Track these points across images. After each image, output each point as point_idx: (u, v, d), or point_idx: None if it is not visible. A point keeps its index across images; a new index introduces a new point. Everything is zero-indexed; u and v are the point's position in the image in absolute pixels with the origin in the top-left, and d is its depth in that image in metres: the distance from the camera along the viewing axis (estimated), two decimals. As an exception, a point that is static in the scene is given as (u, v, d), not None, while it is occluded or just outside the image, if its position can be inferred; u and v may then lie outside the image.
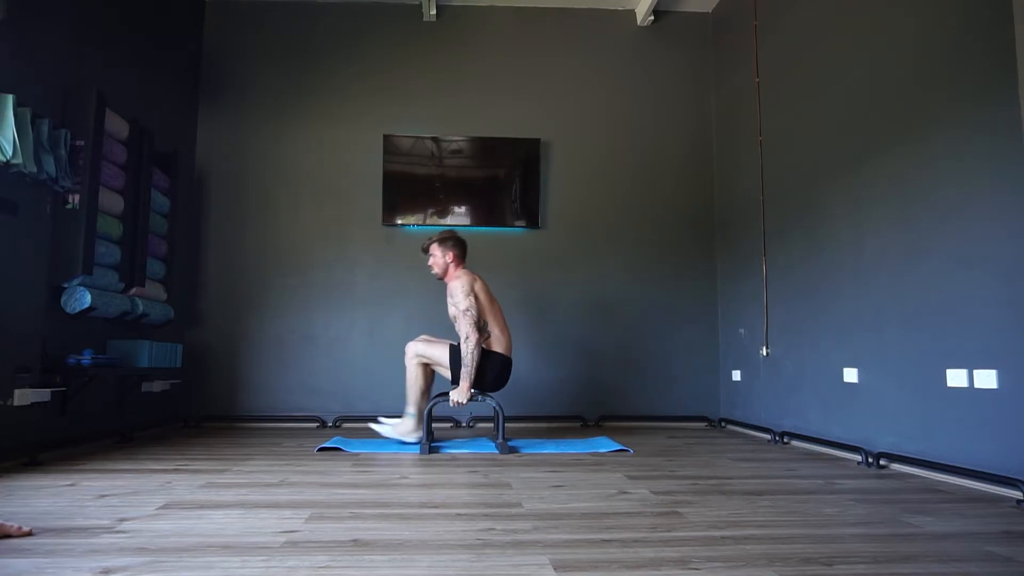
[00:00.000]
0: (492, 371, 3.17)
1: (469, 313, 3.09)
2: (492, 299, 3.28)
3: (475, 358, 3.07)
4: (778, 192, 3.65)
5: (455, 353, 3.15)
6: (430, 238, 3.32)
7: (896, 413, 2.67)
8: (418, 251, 4.38)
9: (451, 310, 3.20)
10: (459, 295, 3.13)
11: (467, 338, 3.07)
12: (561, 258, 4.45)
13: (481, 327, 3.20)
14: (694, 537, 1.59)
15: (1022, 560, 1.43)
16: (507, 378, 3.24)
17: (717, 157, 4.57)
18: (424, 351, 3.19)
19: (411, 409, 3.20)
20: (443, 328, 3.94)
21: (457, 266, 3.30)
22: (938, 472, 2.42)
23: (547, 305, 4.40)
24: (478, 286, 3.21)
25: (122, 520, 1.70)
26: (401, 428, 3.22)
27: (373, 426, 3.34)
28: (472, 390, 3.11)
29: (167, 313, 3.69)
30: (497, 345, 3.22)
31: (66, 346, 2.91)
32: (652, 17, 4.61)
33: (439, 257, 3.28)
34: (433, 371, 3.27)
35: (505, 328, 3.28)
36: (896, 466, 2.65)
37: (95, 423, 3.17)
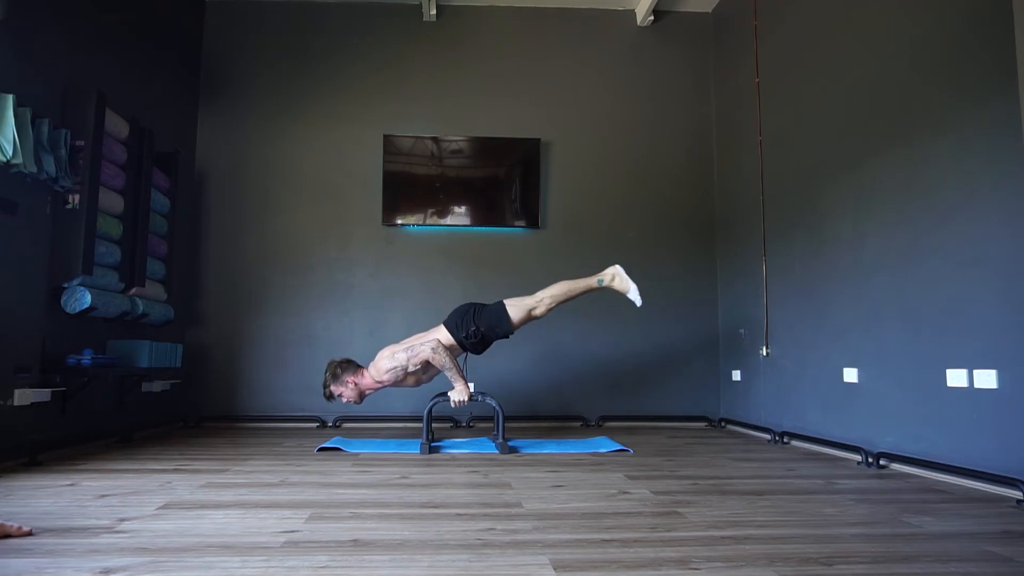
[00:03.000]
0: (492, 321, 3.17)
1: (413, 347, 3.09)
2: (410, 337, 3.27)
3: (449, 357, 3.07)
4: (778, 192, 3.65)
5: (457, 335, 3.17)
6: (324, 386, 3.20)
7: (896, 413, 2.67)
8: (419, 251, 4.39)
9: (411, 368, 3.13)
10: (394, 364, 3.09)
11: (433, 349, 3.06)
12: (561, 258, 4.45)
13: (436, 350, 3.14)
14: (694, 537, 1.59)
15: (1022, 560, 1.43)
16: (507, 318, 3.20)
17: (717, 157, 4.57)
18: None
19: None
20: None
21: (362, 373, 3.20)
22: (938, 472, 2.42)
23: (547, 305, 4.39)
24: (387, 351, 3.17)
25: (122, 520, 1.70)
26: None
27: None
28: (472, 390, 3.12)
29: (167, 313, 3.69)
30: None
31: (66, 346, 2.91)
32: (652, 17, 4.61)
33: (348, 389, 3.18)
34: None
35: (435, 327, 3.28)
36: (896, 466, 2.65)
37: (95, 423, 3.17)
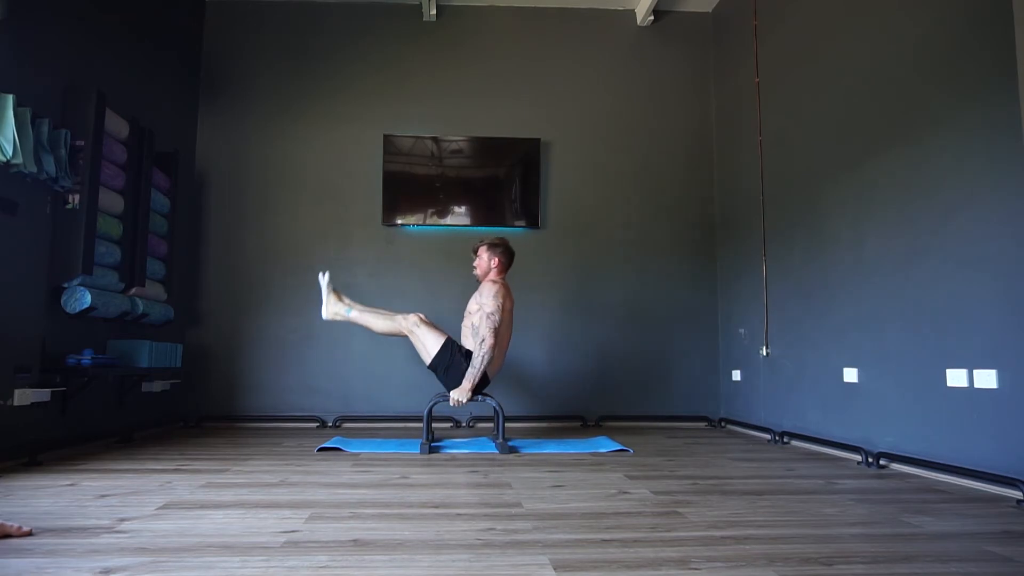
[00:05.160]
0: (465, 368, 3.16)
1: (493, 318, 3.10)
2: (511, 322, 3.29)
3: (484, 362, 3.08)
4: (778, 192, 3.65)
5: (446, 348, 3.16)
6: (481, 240, 3.35)
7: (896, 413, 2.67)
8: (419, 251, 4.39)
9: (472, 306, 3.21)
10: (489, 298, 3.14)
11: (483, 341, 3.07)
12: (561, 258, 4.45)
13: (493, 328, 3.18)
14: (694, 537, 1.59)
15: (1022, 560, 1.43)
16: (478, 391, 3.22)
17: (717, 157, 4.57)
18: (419, 332, 3.21)
19: (353, 305, 3.27)
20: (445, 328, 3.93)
21: (499, 273, 3.31)
22: (938, 472, 2.42)
23: (547, 305, 4.40)
24: (508, 304, 3.22)
25: (122, 520, 1.70)
26: (330, 302, 3.28)
27: (321, 277, 3.33)
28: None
29: (167, 313, 3.69)
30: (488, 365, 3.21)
31: (66, 346, 2.91)
32: (652, 17, 4.61)
33: (485, 261, 3.31)
34: (395, 332, 3.29)
35: (504, 353, 3.29)
36: (896, 466, 2.65)
37: (95, 423, 3.17)
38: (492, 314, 3.10)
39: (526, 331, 4.30)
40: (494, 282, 3.23)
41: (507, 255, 3.33)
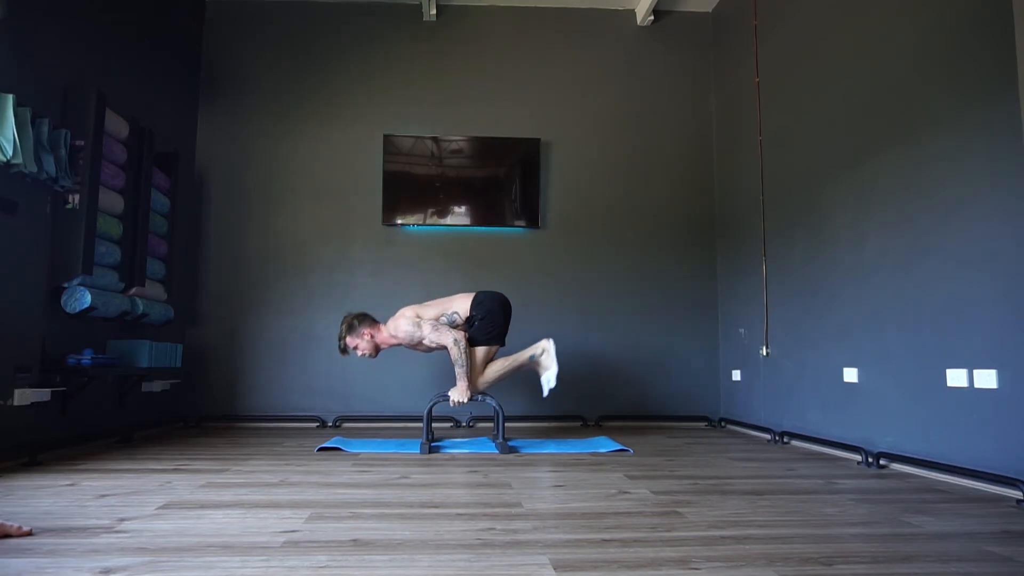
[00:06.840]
0: (489, 315, 3.19)
1: (437, 331, 3.11)
2: (434, 301, 3.31)
3: (465, 356, 3.09)
4: (778, 192, 3.65)
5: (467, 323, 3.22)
6: (339, 339, 3.23)
7: (896, 413, 2.67)
8: (419, 251, 4.39)
9: (426, 343, 3.18)
10: (414, 331, 3.12)
11: (456, 342, 3.08)
12: (561, 258, 4.45)
13: (457, 324, 3.21)
14: (694, 537, 1.59)
15: (1022, 560, 1.43)
16: (509, 308, 3.27)
17: (717, 157, 4.57)
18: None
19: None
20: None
21: (379, 327, 3.25)
22: (938, 472, 2.42)
23: (547, 305, 4.40)
24: (411, 311, 3.19)
25: (122, 520, 1.70)
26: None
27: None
28: (470, 390, 3.13)
29: (167, 313, 3.69)
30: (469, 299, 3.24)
31: (66, 346, 2.91)
32: (652, 17, 4.61)
33: (364, 342, 3.22)
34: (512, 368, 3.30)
35: (464, 292, 3.31)
36: (896, 466, 2.65)
37: (95, 423, 3.17)
38: (433, 330, 3.11)
39: (526, 330, 4.29)
40: (395, 329, 3.16)
41: (362, 318, 3.23)
